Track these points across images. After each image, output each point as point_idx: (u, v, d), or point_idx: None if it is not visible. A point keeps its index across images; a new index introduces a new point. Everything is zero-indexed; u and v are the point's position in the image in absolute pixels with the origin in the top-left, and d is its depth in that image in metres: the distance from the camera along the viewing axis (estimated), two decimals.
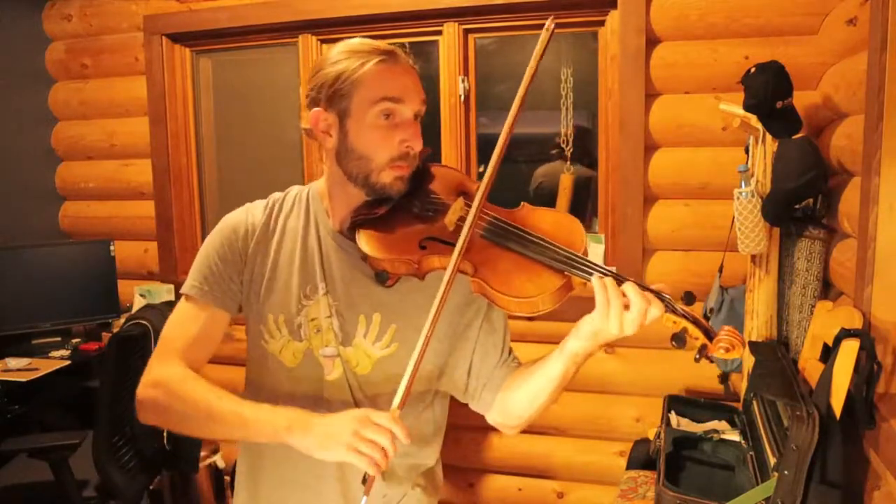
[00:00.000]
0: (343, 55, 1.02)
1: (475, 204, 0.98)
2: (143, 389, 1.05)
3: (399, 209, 1.05)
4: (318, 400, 1.07)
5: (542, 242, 0.97)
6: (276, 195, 1.16)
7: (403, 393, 0.93)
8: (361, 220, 1.04)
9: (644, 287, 0.91)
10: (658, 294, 0.91)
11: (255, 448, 1.14)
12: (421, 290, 1.03)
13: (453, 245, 0.96)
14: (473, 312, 1.10)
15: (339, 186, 1.07)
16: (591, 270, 0.93)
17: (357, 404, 1.07)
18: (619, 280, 0.92)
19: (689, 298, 0.94)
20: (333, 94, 1.01)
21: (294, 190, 1.16)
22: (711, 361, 0.96)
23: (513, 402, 1.07)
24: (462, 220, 1.00)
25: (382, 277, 1.05)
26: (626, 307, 0.89)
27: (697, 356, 0.93)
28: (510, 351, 1.13)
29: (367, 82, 1.00)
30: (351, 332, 1.07)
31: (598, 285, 0.90)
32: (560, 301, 0.95)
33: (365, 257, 1.03)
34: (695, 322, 0.92)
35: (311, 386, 1.07)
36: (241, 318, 1.14)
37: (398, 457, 1.09)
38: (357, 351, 1.07)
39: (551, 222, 1.02)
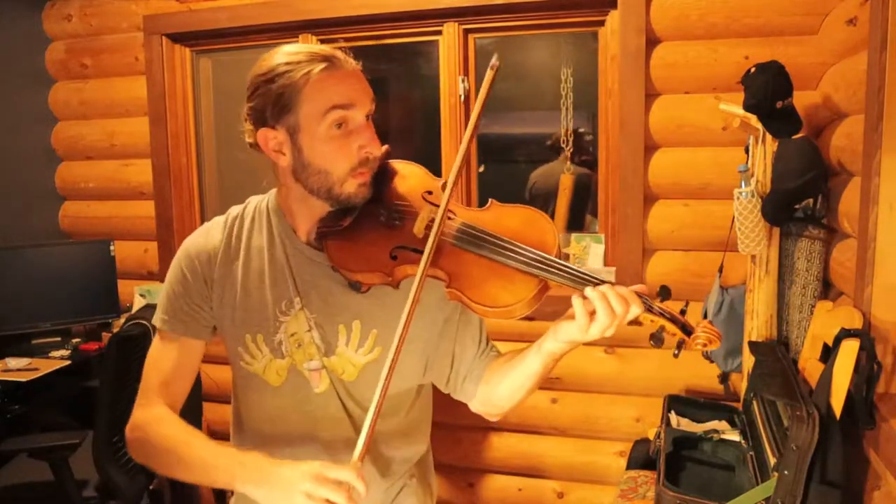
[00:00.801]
0: (282, 66, 0.97)
1: (440, 211, 0.95)
2: (127, 432, 1.06)
3: (365, 218, 1.02)
4: (307, 414, 1.06)
5: (513, 247, 0.95)
6: (235, 210, 1.13)
7: (364, 442, 0.89)
8: (327, 232, 1.01)
9: (617, 287, 0.90)
10: (637, 295, 0.90)
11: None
12: (399, 292, 1.01)
13: (423, 252, 0.94)
14: (451, 306, 1.09)
15: (300, 201, 1.04)
16: (566, 274, 0.92)
17: (348, 413, 1.07)
18: (595, 283, 0.90)
19: (664, 293, 0.94)
20: (279, 111, 0.97)
21: (252, 202, 1.13)
22: (683, 349, 0.97)
23: (494, 395, 1.07)
24: (430, 226, 0.97)
25: (357, 286, 1.04)
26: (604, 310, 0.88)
27: (676, 352, 0.93)
28: (487, 341, 1.13)
29: (312, 93, 0.95)
30: (333, 343, 1.05)
31: (577, 301, 0.89)
32: (537, 305, 0.94)
33: (335, 268, 1.01)
34: (671, 319, 0.92)
35: (299, 401, 1.06)
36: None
37: (394, 451, 1.11)
38: (341, 360, 1.06)
39: (522, 221, 1.00)
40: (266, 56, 1.02)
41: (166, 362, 1.08)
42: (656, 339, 0.92)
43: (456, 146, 2.55)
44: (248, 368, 1.07)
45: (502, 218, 1.01)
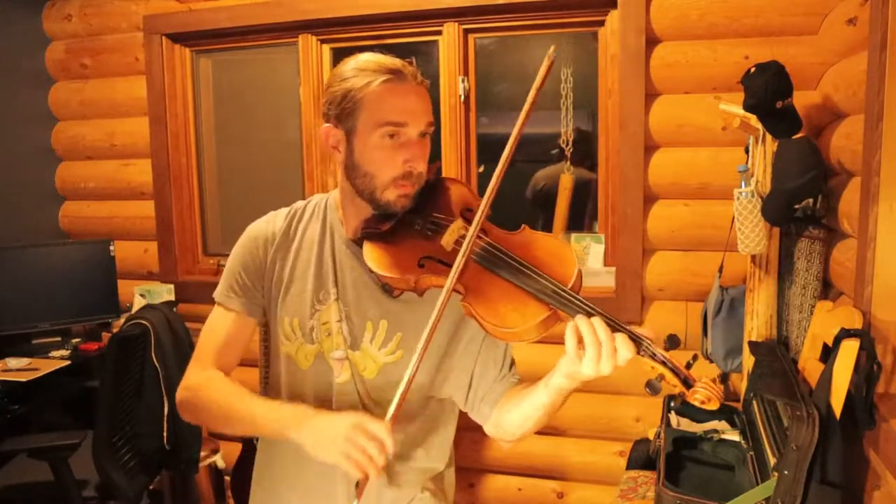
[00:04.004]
0: (351, 72, 1.04)
1: (471, 231, 0.99)
2: (179, 392, 1.14)
3: (403, 225, 1.07)
4: (327, 401, 1.11)
5: (531, 273, 0.96)
6: (299, 204, 1.21)
7: (395, 407, 0.96)
8: (367, 233, 1.07)
9: (622, 327, 0.89)
10: (637, 337, 0.89)
11: (269, 448, 1.20)
12: (428, 301, 1.03)
13: (449, 266, 0.98)
14: (477, 326, 1.09)
15: (349, 199, 1.11)
16: (577, 309, 0.91)
17: (364, 408, 1.10)
18: (609, 323, 0.89)
19: (672, 342, 0.92)
20: (341, 112, 1.04)
21: (315, 199, 1.20)
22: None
23: (506, 421, 1.08)
24: (459, 241, 1.02)
25: (389, 288, 1.09)
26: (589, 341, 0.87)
27: (673, 404, 0.92)
28: (511, 366, 1.15)
29: (371, 103, 1.02)
30: (358, 337, 1.11)
31: (569, 331, 0.89)
32: (544, 332, 0.94)
33: (370, 269, 1.06)
34: (674, 370, 0.89)
35: (321, 387, 1.12)
36: None
37: (404, 461, 1.12)
38: (364, 356, 1.11)
39: (548, 251, 1.01)
40: (346, 59, 1.09)
41: (220, 333, 1.15)
42: (652, 388, 0.90)
43: (456, 146, 2.55)
44: (283, 349, 1.14)
45: (530, 244, 1.03)
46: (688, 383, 0.89)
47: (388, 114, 1.02)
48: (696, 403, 0.88)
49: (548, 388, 0.98)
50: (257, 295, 1.16)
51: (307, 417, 1.01)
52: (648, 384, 0.90)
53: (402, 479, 1.14)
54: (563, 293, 0.93)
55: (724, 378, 2.20)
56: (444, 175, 1.16)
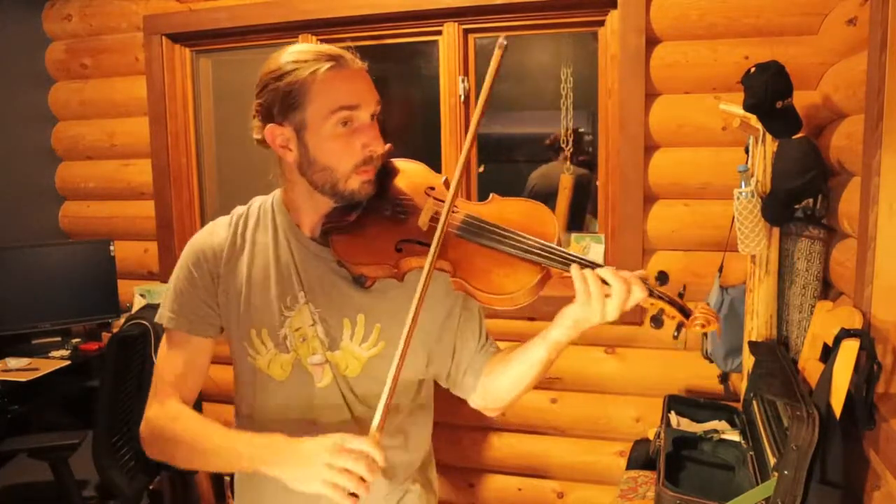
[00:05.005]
0: (290, 65, 0.99)
1: (446, 205, 0.98)
2: (142, 428, 1.07)
3: (370, 213, 1.05)
4: (309, 409, 1.07)
5: (516, 236, 0.98)
6: (240, 209, 1.15)
7: (382, 412, 0.91)
8: (333, 227, 1.04)
9: (619, 272, 0.93)
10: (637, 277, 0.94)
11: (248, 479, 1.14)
12: (401, 286, 1.04)
13: (428, 245, 0.97)
14: (452, 300, 1.11)
15: (306, 196, 1.06)
16: (567, 261, 0.95)
17: (349, 407, 1.08)
18: (596, 267, 0.94)
19: (662, 278, 0.98)
20: (286, 108, 0.99)
21: (257, 202, 1.15)
22: (679, 332, 1.00)
23: (495, 387, 1.08)
24: (435, 219, 1.01)
25: (361, 280, 1.06)
26: (607, 294, 0.91)
27: (676, 333, 0.97)
28: (487, 336, 1.15)
29: (319, 92, 0.98)
30: (337, 337, 1.06)
31: (578, 276, 0.92)
32: (538, 292, 0.97)
33: (341, 263, 1.03)
34: (671, 302, 0.95)
35: (302, 396, 1.08)
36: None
37: (392, 456, 1.09)
38: (345, 354, 1.07)
39: (522, 213, 1.04)
40: (275, 54, 1.04)
41: (176, 360, 1.09)
42: (656, 321, 0.97)
43: (456, 146, 2.55)
44: (253, 363, 1.08)
45: (504, 210, 1.04)
46: (685, 312, 0.95)
47: (339, 99, 0.97)
48: (697, 328, 0.94)
49: (545, 343, 0.99)
50: (210, 312, 1.09)
51: (281, 449, 0.94)
52: (653, 319, 0.97)
53: (392, 473, 1.11)
54: (550, 249, 0.96)
55: (724, 378, 2.21)
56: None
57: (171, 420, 1.04)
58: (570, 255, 0.95)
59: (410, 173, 1.10)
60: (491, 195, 1.08)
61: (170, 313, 1.09)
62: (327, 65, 0.98)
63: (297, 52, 1.01)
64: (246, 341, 1.08)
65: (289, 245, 1.08)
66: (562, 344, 0.99)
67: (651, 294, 0.94)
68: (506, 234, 0.99)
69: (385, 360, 1.03)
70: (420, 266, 0.98)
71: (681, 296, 0.97)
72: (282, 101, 0.99)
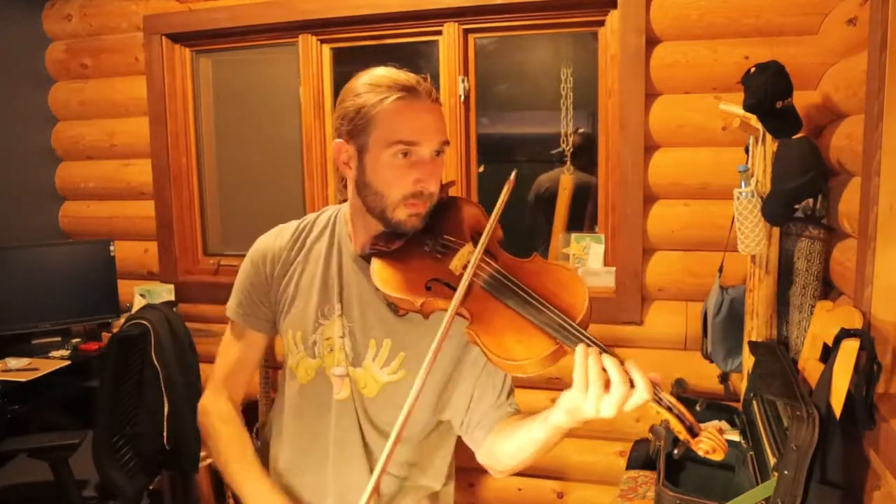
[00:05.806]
0: (364, 87, 1.02)
1: (475, 255, 0.97)
2: (199, 408, 1.21)
3: (413, 245, 1.05)
4: (324, 416, 1.11)
5: (539, 305, 0.92)
6: (311, 216, 1.20)
7: (397, 434, 0.89)
8: (376, 251, 1.05)
9: (633, 367, 0.85)
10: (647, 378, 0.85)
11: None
12: (434, 323, 1.00)
13: (455, 289, 0.95)
14: (478, 350, 1.07)
15: (359, 215, 1.09)
16: (579, 341, 0.87)
17: (360, 428, 1.10)
18: (611, 355, 0.85)
19: (680, 386, 0.90)
20: (353, 128, 1.02)
21: (328, 211, 1.20)
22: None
23: (499, 450, 1.05)
24: (466, 265, 0.99)
25: (394, 307, 1.07)
26: (607, 387, 0.83)
27: (676, 451, 0.87)
28: (509, 394, 1.11)
29: (383, 121, 1.00)
30: (361, 354, 1.09)
31: (580, 359, 0.85)
32: (549, 366, 0.90)
33: (376, 287, 1.03)
34: (679, 417, 0.85)
35: (320, 403, 1.12)
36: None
37: (402, 481, 1.12)
38: (365, 373, 1.09)
39: (558, 280, 0.97)
40: (359, 74, 1.07)
41: (232, 352, 1.20)
42: (656, 434, 0.87)
43: (456, 146, 2.55)
44: (287, 362, 1.16)
45: (540, 274, 0.99)
46: (693, 431, 0.85)
47: (400, 133, 0.99)
48: (701, 453, 0.85)
49: (545, 425, 0.93)
50: (264, 310, 1.17)
51: None
52: (653, 430, 0.88)
53: (398, 495, 1.13)
54: (570, 328, 0.89)
55: (724, 378, 2.20)
56: (456, 195, 1.13)
57: (224, 423, 1.17)
58: (587, 337, 0.87)
59: (465, 214, 1.09)
60: (534, 254, 1.02)
61: (234, 305, 1.19)
62: (396, 95, 0.99)
63: (374, 76, 1.03)
64: (285, 340, 1.16)
65: (339, 257, 1.13)
66: (562, 429, 0.92)
67: (659, 402, 0.84)
68: (529, 298, 0.93)
69: (403, 388, 1.04)
70: (443, 309, 0.96)
71: (695, 413, 0.87)
72: (350, 121, 1.02)
